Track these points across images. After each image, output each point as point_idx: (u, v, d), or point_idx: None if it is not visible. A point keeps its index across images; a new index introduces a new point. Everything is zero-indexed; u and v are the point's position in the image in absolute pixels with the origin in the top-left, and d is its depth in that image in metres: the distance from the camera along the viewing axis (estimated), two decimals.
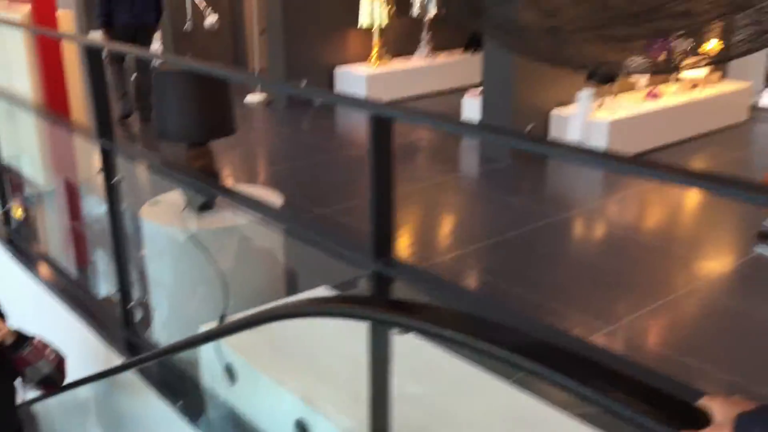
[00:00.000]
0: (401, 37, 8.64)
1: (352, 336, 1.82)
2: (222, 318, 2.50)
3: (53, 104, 3.84)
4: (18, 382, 2.79)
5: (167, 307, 3.13)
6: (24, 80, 3.91)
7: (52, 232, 4.41)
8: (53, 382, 2.78)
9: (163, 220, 3.01)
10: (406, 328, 1.70)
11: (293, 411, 2.14)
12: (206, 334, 2.34)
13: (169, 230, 2.95)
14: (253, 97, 8.21)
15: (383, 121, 1.65)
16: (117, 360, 2.92)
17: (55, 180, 4.18)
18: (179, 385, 2.74)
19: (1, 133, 3.99)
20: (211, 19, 9.59)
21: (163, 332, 3.09)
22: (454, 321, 1.48)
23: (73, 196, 4.18)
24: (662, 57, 6.36)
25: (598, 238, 4.84)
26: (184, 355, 2.69)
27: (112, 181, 2.80)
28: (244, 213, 2.73)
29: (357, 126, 7.12)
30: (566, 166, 5.66)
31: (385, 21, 8.14)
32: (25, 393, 3.07)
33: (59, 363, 2.77)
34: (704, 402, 0.97)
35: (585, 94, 5.82)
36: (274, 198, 3.08)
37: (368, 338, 1.75)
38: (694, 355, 3.27)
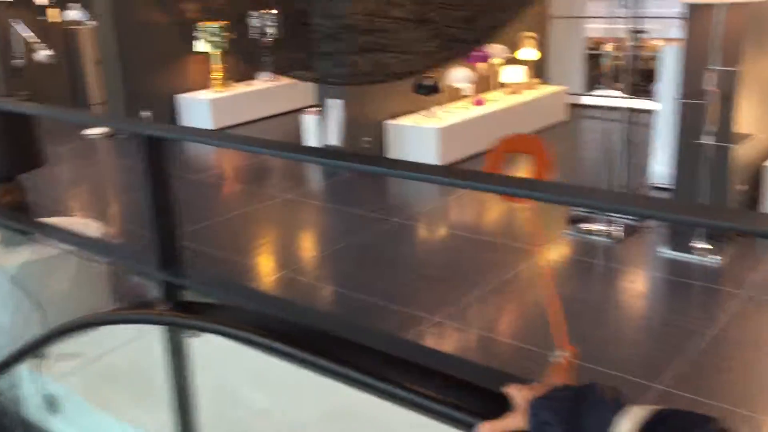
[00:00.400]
0: (243, 61, 8.73)
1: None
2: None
3: None
4: None
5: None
6: None
7: None
8: None
9: None
10: (196, 330, 1.82)
11: None
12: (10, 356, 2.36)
13: None
14: (94, 130, 8.03)
15: (155, 141, 1.78)
16: None
17: None
18: (4, 422, 2.72)
19: None
20: (43, 53, 9.30)
21: None
22: (243, 319, 1.62)
23: None
24: (483, 65, 6.84)
25: (433, 238, 5.15)
26: (6, 393, 2.68)
27: None
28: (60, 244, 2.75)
29: (201, 153, 7.16)
30: None
31: (224, 46, 8.21)
32: None
33: None
34: (506, 389, 1.00)
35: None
36: (93, 226, 3.11)
37: (163, 344, 1.87)
38: (519, 339, 3.58)
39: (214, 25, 7.99)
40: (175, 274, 1.82)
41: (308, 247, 5.16)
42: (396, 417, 1.95)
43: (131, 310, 1.92)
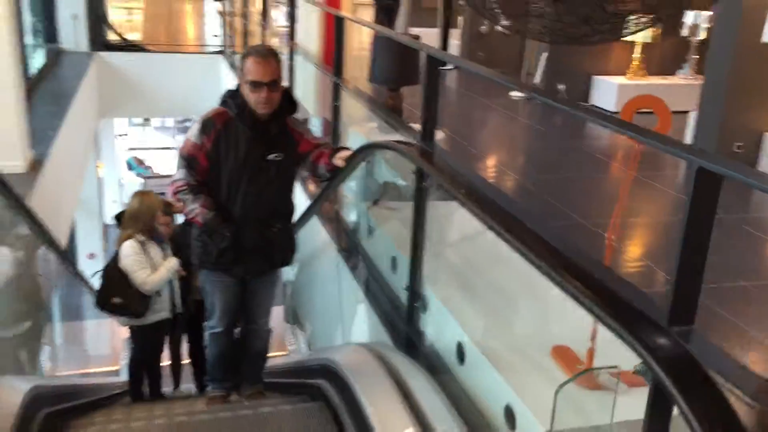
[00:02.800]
0: (665, 56, 9.19)
1: None
2: None
3: (326, 60, 5.54)
4: None
5: None
6: (314, 43, 5.69)
7: None
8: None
9: None
10: None
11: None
12: None
13: None
14: (518, 93, 9.45)
15: (711, 176, 1.46)
16: None
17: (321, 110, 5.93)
18: None
19: (298, 78, 5.85)
20: (505, 22, 11.03)
21: None
22: None
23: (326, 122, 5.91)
24: None
25: None
26: None
27: (336, 103, 4.37)
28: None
29: (602, 135, 7.99)
30: None
31: (649, 38, 8.79)
32: None
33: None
34: None
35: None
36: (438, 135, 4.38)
37: None
38: None
39: (646, 17, 8.61)
40: (685, 334, 1.49)
41: None
42: None
43: None
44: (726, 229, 4.83)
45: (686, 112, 8.30)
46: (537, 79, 8.83)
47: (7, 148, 5.03)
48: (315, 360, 3.77)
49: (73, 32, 10.29)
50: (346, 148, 3.48)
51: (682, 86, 8.86)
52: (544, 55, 8.66)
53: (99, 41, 10.68)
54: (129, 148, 19.42)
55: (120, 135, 18.95)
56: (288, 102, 3.32)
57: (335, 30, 4.27)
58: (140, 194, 4.59)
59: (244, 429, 3.18)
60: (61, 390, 3.99)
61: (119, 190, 15.91)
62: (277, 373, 4.35)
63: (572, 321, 2.94)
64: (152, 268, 4.35)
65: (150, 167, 17.65)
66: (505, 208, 2.54)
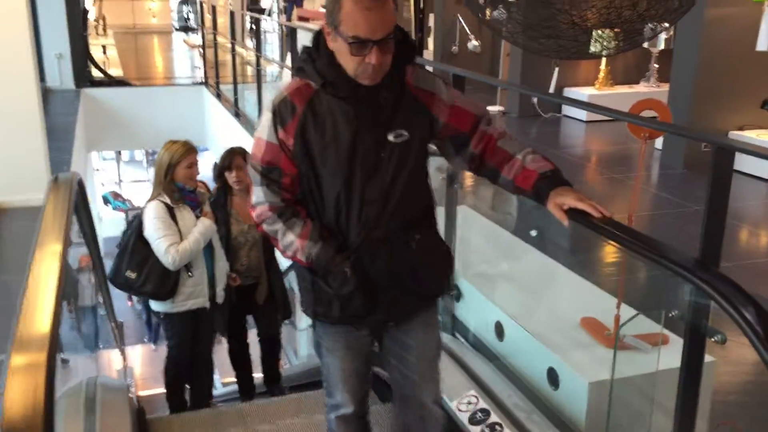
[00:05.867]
0: (629, 66, 9.81)
1: None
2: None
3: None
4: None
5: None
6: None
7: None
8: None
9: None
10: None
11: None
12: None
13: None
14: (493, 108, 9.98)
15: (725, 151, 1.95)
16: None
17: None
18: None
19: None
20: (474, 43, 11.61)
21: None
22: None
23: None
24: None
25: None
26: None
27: None
28: None
29: (573, 132, 8.50)
30: None
31: (612, 50, 9.37)
32: None
33: None
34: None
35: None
36: None
37: None
38: None
39: (608, 32, 9.21)
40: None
41: None
42: None
43: None
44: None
45: (656, 117, 8.81)
46: (552, 89, 9.34)
47: (36, 182, 5.32)
48: None
49: (58, 71, 10.58)
50: (567, 186, 2.00)
51: (647, 94, 9.46)
52: (557, 70, 9.19)
53: (84, 78, 10.96)
54: (102, 183, 19.54)
55: (95, 170, 19.07)
56: (401, 46, 1.96)
57: None
58: (166, 144, 3.71)
59: None
60: None
61: (99, 225, 16.03)
62: None
63: (590, 299, 3.40)
64: (182, 238, 3.58)
65: (128, 200, 17.79)
66: None
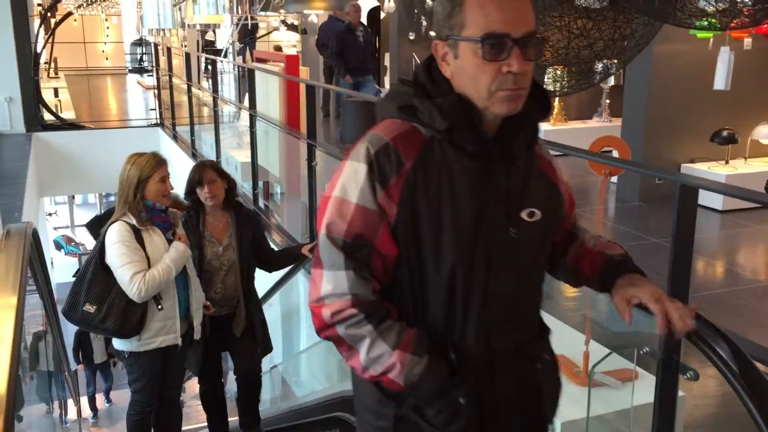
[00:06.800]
0: (581, 102, 10.04)
1: None
2: None
3: (291, 123, 5.93)
4: None
5: None
6: (276, 108, 6.08)
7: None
8: None
9: None
10: None
11: None
12: None
13: None
14: None
15: (690, 190, 2.16)
16: None
17: (286, 173, 6.30)
18: None
19: (259, 143, 6.20)
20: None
21: None
22: None
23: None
24: None
25: None
26: None
27: (312, 164, 4.74)
28: None
29: None
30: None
31: (565, 88, 9.59)
32: None
33: None
34: None
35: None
36: None
37: None
38: None
39: (560, 69, 9.44)
40: None
41: None
42: None
43: None
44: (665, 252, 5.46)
45: (610, 151, 9.03)
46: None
47: None
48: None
49: (8, 115, 10.37)
50: (639, 275, 1.56)
51: (599, 128, 9.67)
52: None
53: (35, 121, 10.76)
54: (54, 227, 19.13)
55: (49, 214, 18.67)
56: (536, 96, 1.45)
57: (306, 95, 4.66)
58: (131, 157, 3.25)
59: None
60: None
61: (51, 271, 15.61)
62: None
63: (556, 334, 3.38)
64: (150, 265, 3.10)
65: (81, 244, 17.41)
66: None
